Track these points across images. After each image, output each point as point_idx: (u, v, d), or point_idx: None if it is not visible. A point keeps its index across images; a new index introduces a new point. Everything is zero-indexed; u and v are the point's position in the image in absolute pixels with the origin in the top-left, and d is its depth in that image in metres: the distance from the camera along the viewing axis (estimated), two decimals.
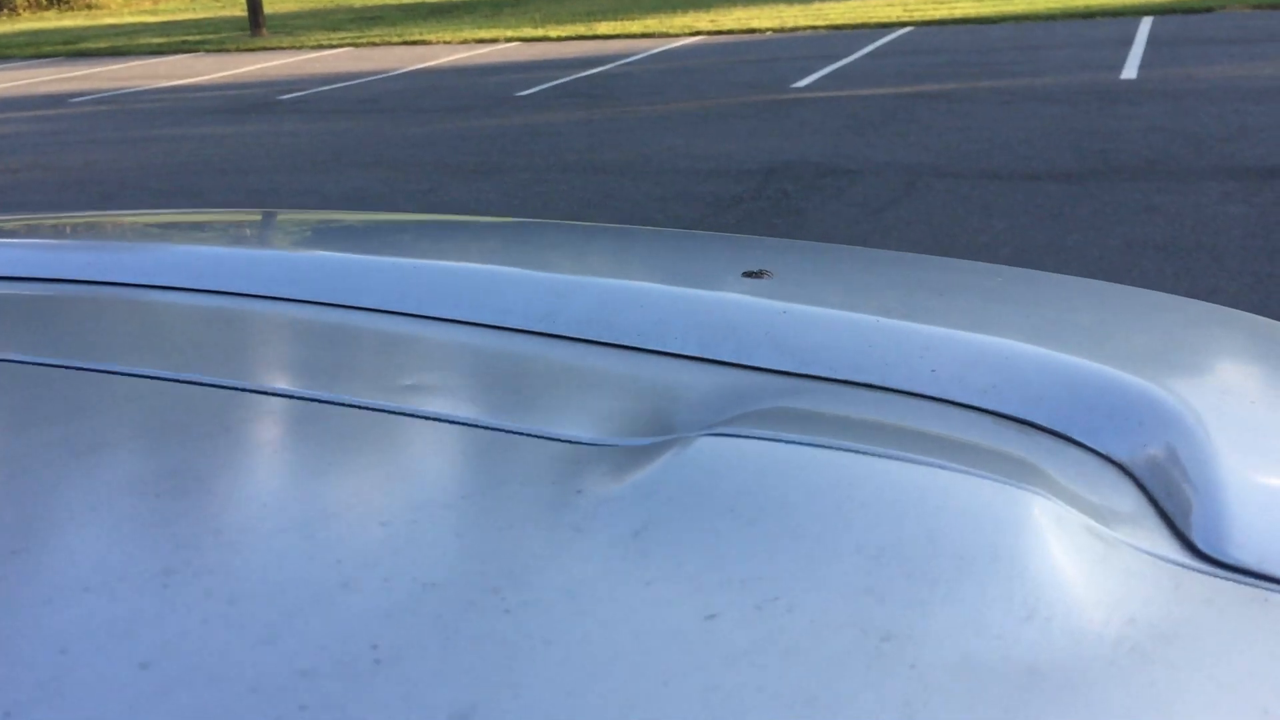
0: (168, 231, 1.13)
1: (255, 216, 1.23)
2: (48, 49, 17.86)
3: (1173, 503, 0.55)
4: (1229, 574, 0.49)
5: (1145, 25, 11.30)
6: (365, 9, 21.47)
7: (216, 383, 0.66)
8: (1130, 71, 8.74)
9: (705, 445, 0.55)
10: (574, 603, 0.43)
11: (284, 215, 1.24)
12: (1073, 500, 0.53)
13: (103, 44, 18.06)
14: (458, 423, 0.61)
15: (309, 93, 10.94)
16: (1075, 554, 0.48)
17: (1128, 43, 10.21)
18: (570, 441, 0.58)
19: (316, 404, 0.64)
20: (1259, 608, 0.46)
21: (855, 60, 10.52)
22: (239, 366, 0.72)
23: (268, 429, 0.61)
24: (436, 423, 0.61)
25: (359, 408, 0.63)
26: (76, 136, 9.11)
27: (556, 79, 10.60)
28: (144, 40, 18.27)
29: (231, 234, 1.11)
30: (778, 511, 0.50)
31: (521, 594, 0.44)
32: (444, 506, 0.51)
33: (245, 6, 18.62)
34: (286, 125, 9.05)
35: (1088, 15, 12.50)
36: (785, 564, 0.46)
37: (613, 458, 0.56)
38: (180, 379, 0.66)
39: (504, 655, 0.40)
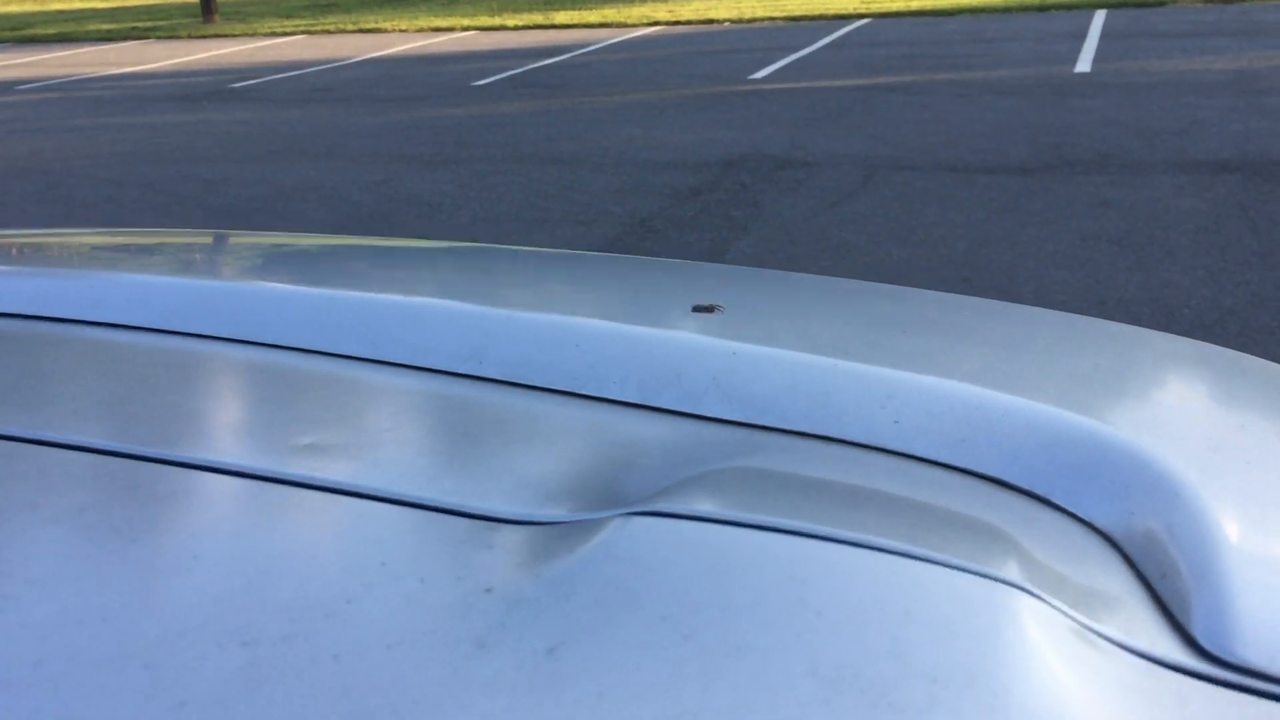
0: (40, 253, 1.01)
1: (147, 239, 1.10)
2: None
3: (1167, 587, 0.50)
4: (1236, 677, 0.43)
5: (1099, 18, 11.39)
6: None
7: (65, 442, 0.55)
8: (1084, 65, 8.80)
9: (639, 528, 0.47)
10: None
11: (174, 237, 1.10)
12: (1057, 588, 0.47)
13: (51, 30, 17.74)
14: (353, 494, 0.52)
15: (261, 81, 10.79)
16: (1066, 667, 0.41)
17: (1081, 36, 10.29)
18: (485, 518, 0.50)
19: (176, 469, 0.53)
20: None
21: (813, 52, 10.53)
22: (95, 420, 0.60)
23: (119, 509, 0.49)
24: (327, 495, 0.51)
25: (230, 473, 0.53)
26: (22, 125, 8.93)
27: (513, 69, 10.53)
28: (93, 26, 17.96)
29: (122, 259, 0.99)
30: (718, 620, 0.42)
31: None
32: (326, 615, 0.42)
33: None
34: (238, 114, 8.92)
35: (1042, 8, 12.59)
36: (726, 694, 0.39)
37: (532, 541, 0.48)
38: (16, 437, 0.56)
39: None
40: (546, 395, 0.68)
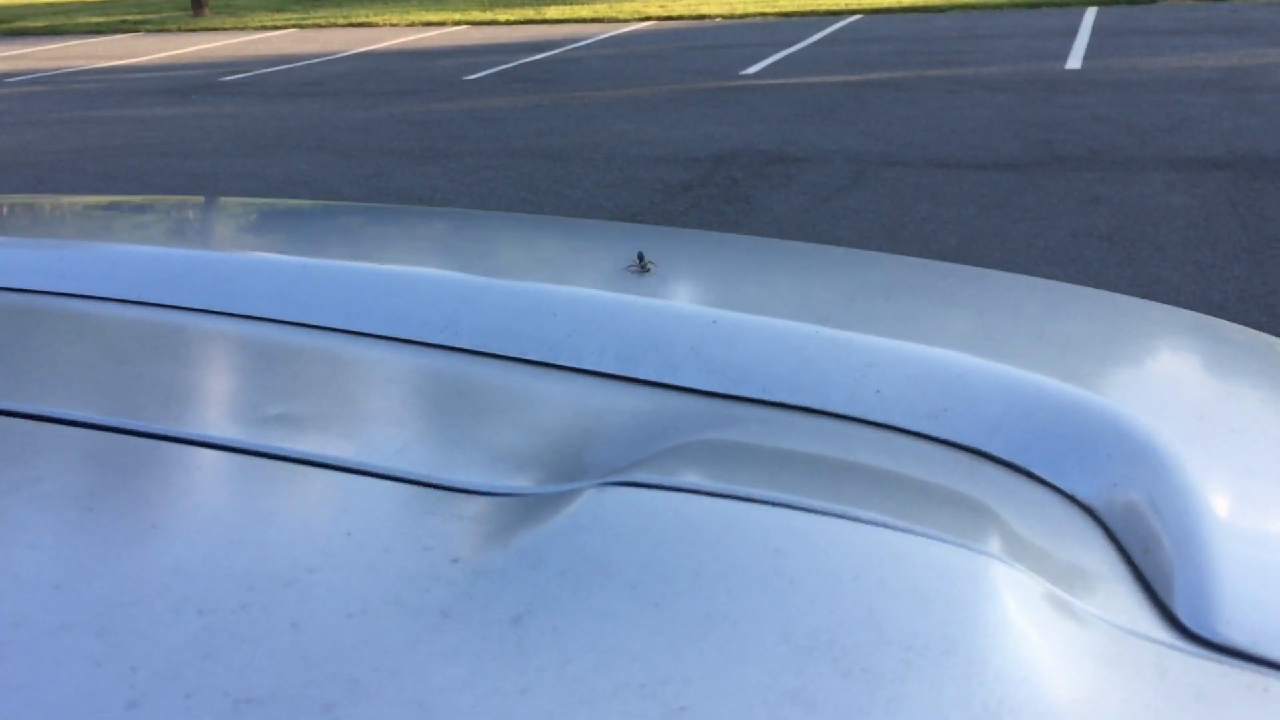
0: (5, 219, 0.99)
1: (98, 203, 1.07)
2: None
3: (1150, 562, 0.48)
4: (1219, 657, 0.42)
5: (1089, 15, 11.41)
6: None
7: (26, 411, 0.54)
8: (1075, 62, 8.82)
9: (610, 499, 0.46)
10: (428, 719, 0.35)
11: (135, 201, 1.08)
12: (1037, 561, 0.46)
13: (40, 23, 17.66)
14: (320, 465, 0.50)
15: (252, 74, 10.76)
16: (1044, 637, 0.41)
17: (1072, 33, 10.30)
18: (454, 489, 0.49)
19: (134, 438, 0.52)
20: (1257, 700, 0.40)
21: (804, 47, 10.53)
22: (59, 391, 0.58)
23: (73, 478, 0.48)
24: (293, 465, 0.50)
25: (190, 443, 0.52)
26: (11, 118, 8.88)
27: (505, 63, 10.51)
28: (83, 19, 17.88)
29: (73, 225, 0.96)
30: (690, 589, 0.41)
31: (360, 710, 0.35)
32: (284, 585, 0.41)
33: None
34: (228, 107, 8.89)
35: (1033, 5, 12.60)
36: (695, 662, 0.38)
37: (502, 512, 0.47)
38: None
39: None
40: (522, 365, 0.66)
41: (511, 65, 10.37)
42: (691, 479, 0.49)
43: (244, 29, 15.34)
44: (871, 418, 0.61)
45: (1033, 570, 0.45)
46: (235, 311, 0.71)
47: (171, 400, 0.59)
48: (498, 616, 0.40)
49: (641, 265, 0.77)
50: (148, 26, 16.29)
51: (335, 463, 0.51)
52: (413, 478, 0.50)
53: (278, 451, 0.52)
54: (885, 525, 0.46)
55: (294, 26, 15.24)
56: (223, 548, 0.44)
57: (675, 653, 0.38)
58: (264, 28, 15.32)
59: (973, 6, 12.86)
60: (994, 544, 0.46)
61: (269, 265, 0.75)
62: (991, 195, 5.20)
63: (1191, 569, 0.46)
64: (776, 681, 0.37)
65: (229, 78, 10.62)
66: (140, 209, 1.04)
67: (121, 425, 0.54)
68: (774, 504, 0.47)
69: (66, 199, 1.09)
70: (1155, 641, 0.43)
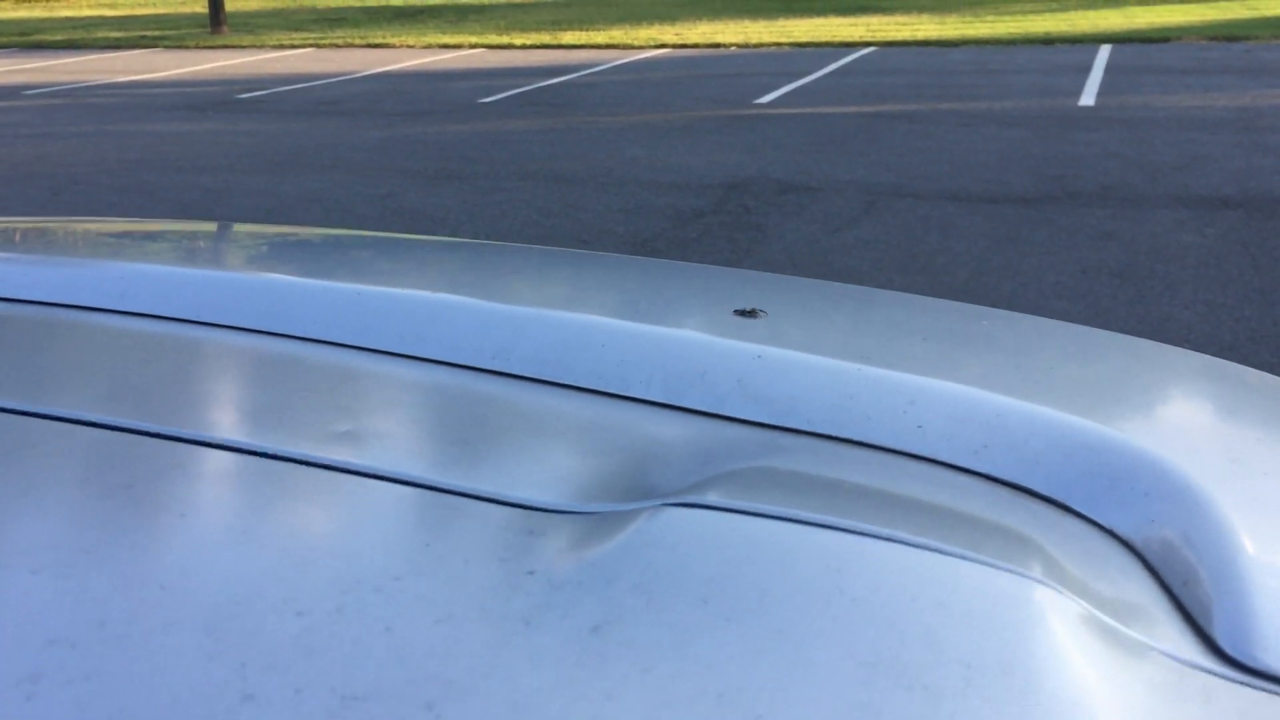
0: (78, 243, 1.03)
1: (177, 229, 1.12)
2: (2, 40, 17.58)
3: (1189, 594, 0.50)
4: (1260, 683, 0.43)
5: (1103, 53, 11.45)
6: (328, 10, 21.34)
7: (113, 424, 0.57)
8: (1088, 98, 8.84)
9: (674, 518, 0.48)
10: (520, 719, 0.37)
11: (207, 228, 1.13)
12: (1081, 590, 0.48)
13: (59, 36, 17.80)
14: (394, 480, 0.53)
15: (268, 92, 10.83)
16: (1094, 660, 0.42)
17: (1086, 70, 10.34)
18: (522, 506, 0.51)
19: (226, 453, 0.55)
20: None
21: (818, 78, 10.58)
22: (142, 405, 0.61)
23: (172, 488, 0.51)
24: (368, 480, 0.53)
25: (277, 458, 0.55)
26: (28, 129, 8.95)
27: (520, 87, 10.57)
28: (102, 34, 18.02)
29: (151, 250, 1.01)
30: (757, 605, 0.43)
31: (459, 709, 0.37)
32: (374, 590, 0.43)
33: (206, 3, 18.44)
34: (244, 124, 8.94)
35: (1047, 41, 12.65)
36: (767, 673, 0.39)
37: (570, 528, 0.49)
38: (68, 418, 0.57)
39: None
40: (571, 392, 0.68)
41: (526, 89, 10.42)
42: (749, 502, 0.51)
43: (262, 47, 15.45)
44: (915, 451, 0.62)
45: (1078, 596, 0.46)
46: (309, 336, 0.74)
47: (254, 416, 0.62)
48: (577, 626, 0.42)
49: (748, 313, 0.79)
50: (166, 42, 16.41)
51: (407, 479, 0.53)
52: (481, 495, 0.52)
53: (353, 467, 0.54)
54: (938, 550, 0.48)
55: (311, 46, 15.35)
56: (312, 555, 0.46)
57: (748, 665, 0.40)
58: (281, 46, 15.43)
59: (987, 41, 12.92)
60: (1039, 571, 0.47)
61: (338, 294, 0.79)
62: (1003, 229, 5.21)
63: (1230, 599, 0.47)
64: (844, 695, 0.39)
65: (245, 95, 10.69)
66: (182, 236, 1.08)
67: (210, 439, 0.56)
68: (831, 528, 0.49)
69: (136, 224, 1.13)
70: (1200, 668, 0.44)
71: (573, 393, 0.68)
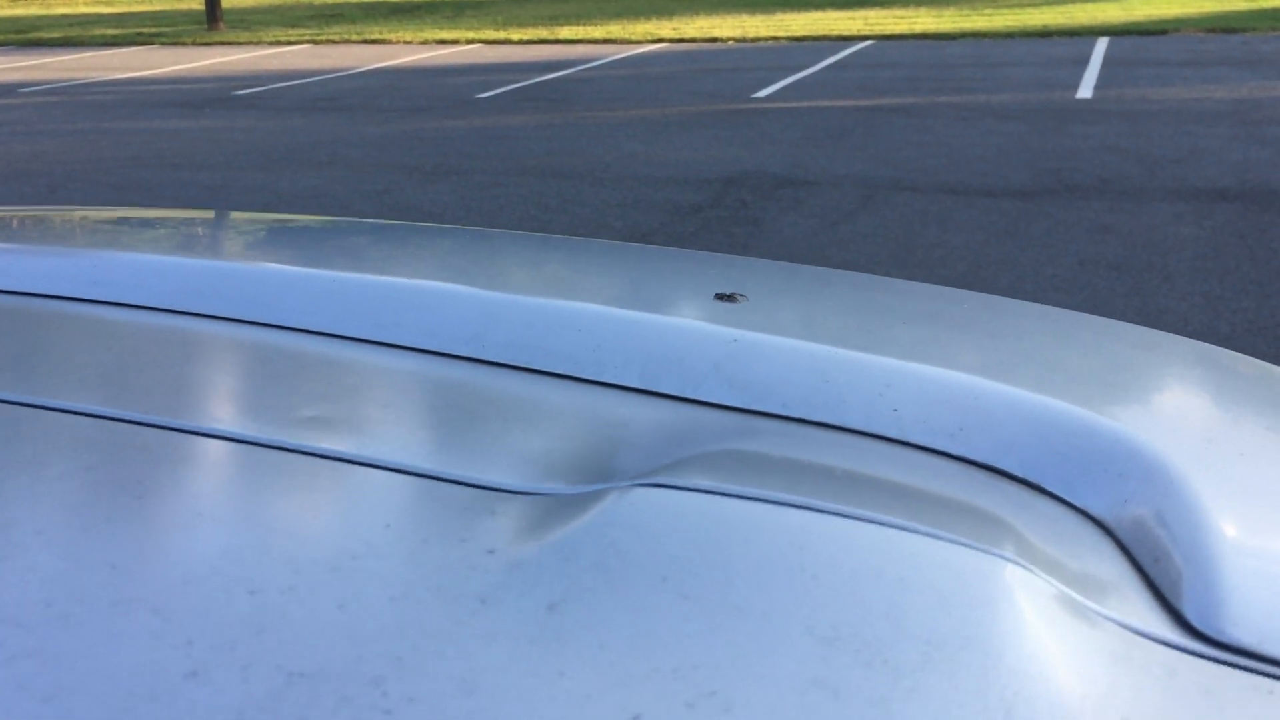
0: (50, 231, 1.03)
1: (141, 216, 1.12)
2: None
3: (1160, 570, 0.50)
4: (1227, 655, 0.44)
5: (1101, 46, 11.45)
6: (325, 6, 21.31)
7: (76, 409, 0.57)
8: (1086, 91, 8.84)
9: (639, 498, 0.48)
10: (471, 699, 0.36)
11: (175, 215, 1.13)
12: (1051, 567, 0.48)
13: (56, 34, 17.78)
14: (357, 463, 0.53)
15: (265, 89, 10.82)
16: (1057, 635, 0.42)
17: (1083, 62, 10.34)
18: (486, 488, 0.51)
19: (188, 436, 0.55)
20: (1264, 700, 0.41)
21: (816, 72, 10.57)
22: (102, 390, 0.62)
23: (132, 470, 0.51)
24: (331, 463, 0.53)
25: (240, 442, 0.55)
26: (25, 127, 8.94)
27: (517, 82, 10.55)
28: (98, 31, 18.00)
29: (128, 239, 1.00)
30: (718, 583, 0.43)
31: (408, 687, 0.37)
32: (329, 570, 0.43)
33: (203, 0, 18.41)
34: (241, 121, 8.93)
35: (1044, 34, 12.64)
36: (724, 649, 0.39)
37: (533, 510, 0.49)
38: (32, 404, 0.58)
39: None
40: (547, 378, 0.68)
41: (524, 84, 10.41)
42: (716, 482, 0.50)
43: (258, 43, 15.43)
44: (889, 434, 0.62)
45: (1046, 574, 0.46)
46: (278, 323, 0.74)
47: (217, 401, 0.62)
48: (534, 604, 0.42)
49: (727, 297, 0.79)
50: (162, 39, 16.39)
51: (372, 461, 0.53)
52: (446, 477, 0.52)
53: (317, 451, 0.54)
54: (904, 528, 0.48)
55: (308, 42, 15.33)
56: (268, 536, 0.46)
57: (704, 641, 0.40)
58: (278, 42, 15.41)
59: (984, 34, 12.91)
60: (1009, 549, 0.47)
61: (308, 280, 0.79)
62: (1000, 222, 5.21)
63: (1200, 576, 0.47)
64: (801, 670, 0.39)
65: (242, 91, 10.67)
66: (180, 223, 1.08)
67: (170, 424, 0.56)
68: (796, 506, 0.49)
69: (134, 212, 1.14)
70: (1164, 642, 0.44)
71: (548, 378, 0.68)
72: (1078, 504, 0.56)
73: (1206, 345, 0.83)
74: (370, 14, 19.11)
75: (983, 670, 0.39)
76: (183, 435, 0.56)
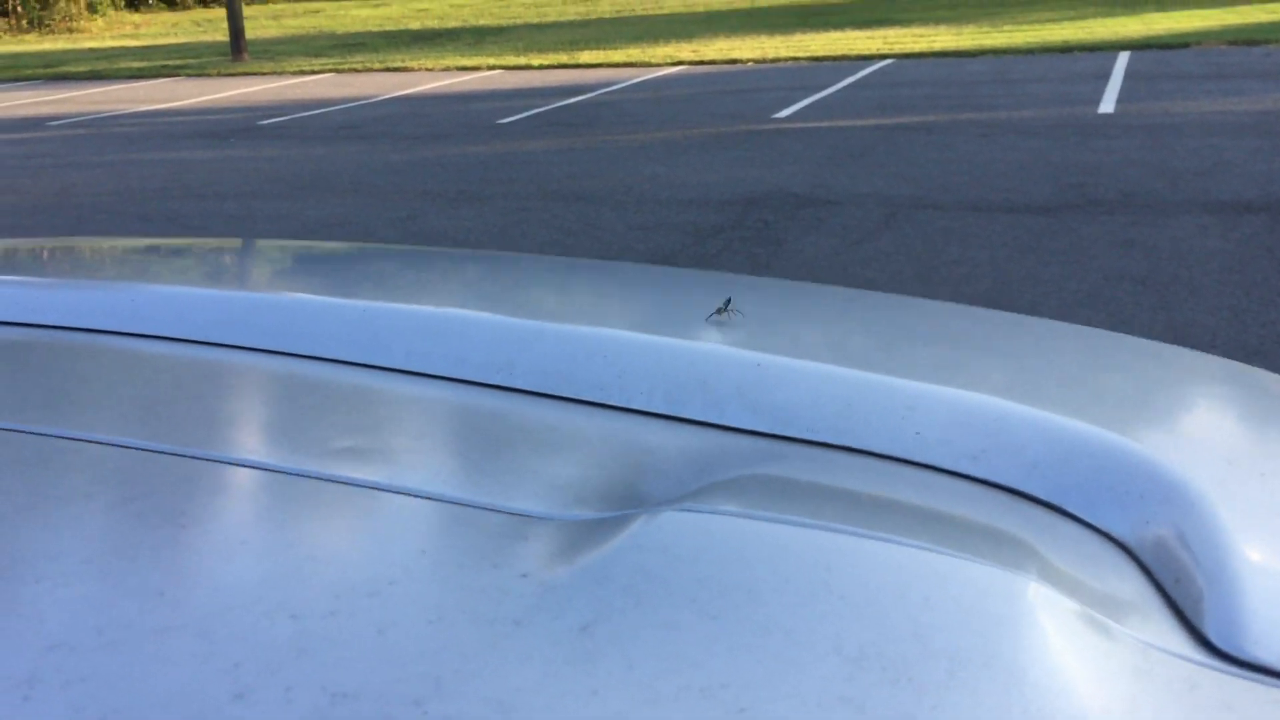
0: (84, 264, 1.06)
1: (174, 245, 1.15)
2: (27, 72, 17.80)
3: (1181, 591, 0.50)
4: (1247, 673, 0.44)
5: (1122, 60, 11.41)
6: (348, 35, 21.50)
7: (119, 443, 0.59)
8: (1107, 106, 8.81)
9: (667, 522, 0.49)
10: (505, 717, 0.38)
11: (207, 245, 1.15)
12: (1073, 588, 0.48)
13: (83, 67, 18.01)
14: (394, 492, 0.54)
15: (289, 118, 10.92)
16: (1079, 652, 0.43)
17: (1105, 77, 10.31)
18: (519, 515, 0.52)
19: (228, 467, 0.57)
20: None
21: (836, 91, 10.58)
22: (144, 422, 0.64)
23: (174, 502, 0.52)
24: (369, 492, 0.54)
25: (278, 472, 0.56)
26: (53, 160, 9.05)
27: (538, 107, 10.62)
28: (125, 64, 18.23)
29: (159, 270, 1.02)
30: (745, 603, 0.44)
31: (446, 706, 0.38)
32: (367, 595, 0.45)
33: (227, 31, 18.62)
34: (266, 150, 9.02)
35: (1065, 50, 12.62)
36: (752, 668, 0.40)
37: (565, 535, 0.50)
38: (77, 438, 0.59)
39: None
40: (575, 405, 0.69)
41: (545, 109, 10.47)
42: (743, 507, 0.51)
43: (282, 74, 15.58)
44: (913, 458, 0.63)
45: (1068, 593, 0.47)
46: (310, 354, 0.76)
47: (253, 432, 0.64)
48: (566, 626, 0.43)
49: (723, 310, 0.80)
50: (188, 71, 16.58)
51: (405, 490, 0.55)
52: (478, 504, 0.53)
53: (352, 480, 0.56)
54: (927, 549, 0.48)
55: (331, 71, 15.47)
56: (308, 563, 0.47)
57: (733, 660, 0.41)
58: (302, 72, 15.56)
59: (1004, 51, 12.90)
60: (1031, 570, 0.48)
61: (340, 310, 0.80)
62: (1024, 238, 5.19)
63: (1220, 595, 0.48)
64: (828, 688, 0.39)
65: (266, 121, 10.78)
66: (219, 251, 1.11)
67: (208, 456, 0.58)
68: (821, 529, 0.50)
69: (165, 242, 1.16)
70: (1185, 659, 0.44)
71: (575, 405, 0.69)
72: (1100, 526, 0.57)
73: (1232, 362, 0.82)
74: (392, 42, 19.27)
75: (1005, 687, 0.40)
76: (221, 466, 0.57)
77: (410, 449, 0.63)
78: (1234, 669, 0.44)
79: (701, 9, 22.69)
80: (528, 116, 10.06)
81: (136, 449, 0.58)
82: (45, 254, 1.09)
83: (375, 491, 0.55)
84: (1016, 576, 0.47)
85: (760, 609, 0.43)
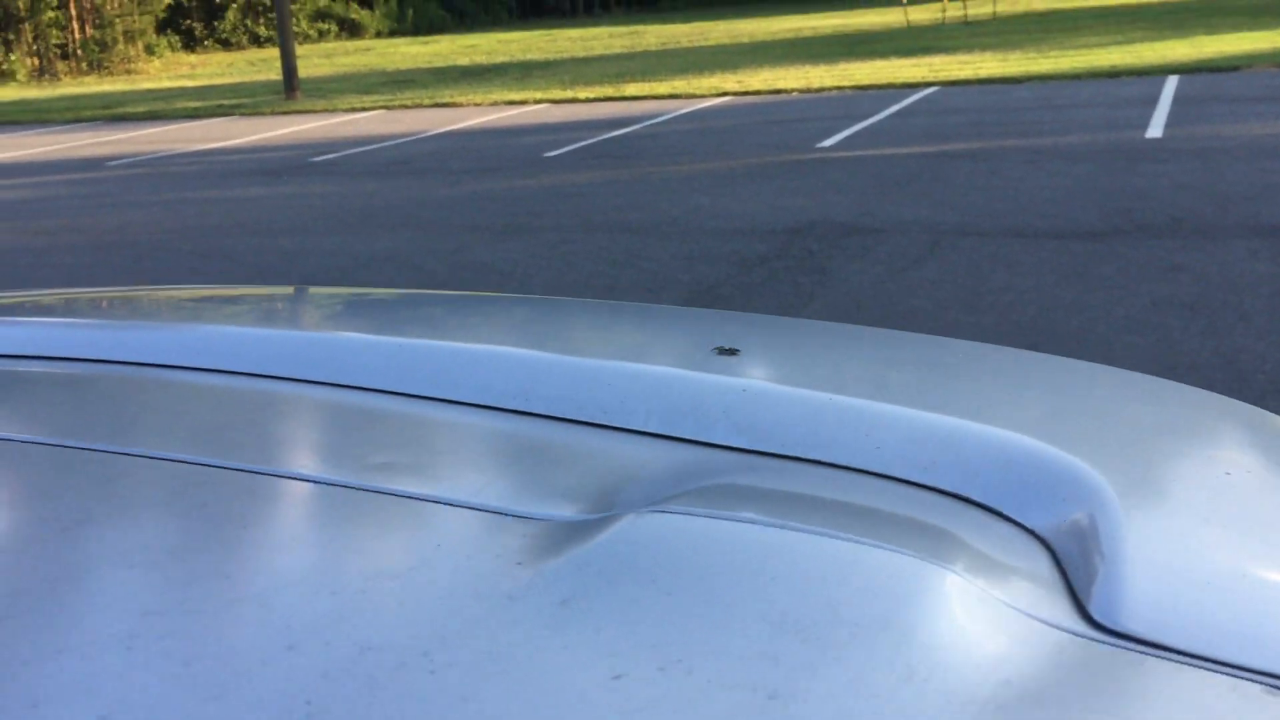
0: (158, 309, 1.20)
1: (233, 294, 1.31)
2: (87, 113, 18.26)
3: (1079, 575, 0.59)
4: (1115, 640, 0.52)
5: (1171, 84, 11.33)
6: (398, 73, 21.85)
7: (192, 460, 0.71)
8: (1156, 130, 8.76)
9: (643, 521, 0.60)
10: (494, 664, 0.48)
11: (262, 292, 1.33)
12: (984, 574, 0.57)
13: (141, 108, 18.45)
14: (420, 499, 0.66)
15: (341, 155, 11.12)
16: (965, 621, 0.52)
17: (1153, 102, 10.24)
18: (522, 516, 0.63)
19: (280, 480, 0.69)
20: (1132, 670, 0.50)
21: (881, 120, 10.60)
22: (214, 443, 0.76)
23: (238, 506, 0.65)
24: (398, 499, 0.65)
25: (324, 484, 0.68)
26: (112, 199, 9.28)
27: (584, 140, 10.73)
28: (181, 104, 18.65)
29: (213, 312, 1.17)
30: (695, 583, 0.54)
31: (448, 656, 0.49)
32: (391, 577, 0.56)
33: (280, 71, 18.98)
34: (318, 187, 9.19)
35: (1113, 74, 12.55)
36: (693, 630, 0.51)
37: (557, 532, 0.61)
38: (159, 456, 0.72)
39: (422, 711, 0.45)
40: (582, 427, 0.79)
41: (591, 141, 10.58)
42: (709, 509, 0.62)
43: (334, 111, 15.87)
44: (872, 469, 0.72)
45: (973, 578, 0.56)
46: (352, 384, 0.88)
47: (303, 449, 0.78)
48: (549, 601, 0.53)
49: (730, 351, 0.90)
50: (242, 110, 16.93)
51: (427, 497, 0.66)
52: (488, 508, 0.65)
53: (385, 489, 0.67)
54: (855, 541, 0.59)
55: (382, 108, 15.73)
56: (345, 553, 0.60)
57: (678, 624, 0.51)
58: (353, 109, 15.83)
59: (1051, 77, 12.85)
60: (949, 559, 0.57)
61: (377, 346, 0.92)
62: (1070, 264, 5.17)
63: (1107, 578, 0.57)
64: (751, 645, 0.50)
65: (319, 158, 10.98)
66: (238, 300, 1.26)
67: (265, 470, 0.70)
68: (770, 525, 0.61)
69: (223, 290, 1.32)
70: (1063, 629, 0.53)
71: (582, 426, 0.79)
72: (1028, 525, 0.65)
73: (1171, 382, 0.92)
74: (441, 78, 19.55)
75: (896, 645, 0.50)
76: (274, 479, 0.69)
77: (434, 464, 0.75)
78: (1105, 637, 0.53)
79: (747, 39, 22.80)
80: (574, 149, 10.17)
81: (206, 465, 0.70)
82: (116, 300, 1.25)
83: (403, 499, 0.66)
84: (927, 563, 0.57)
85: (706, 587, 0.54)
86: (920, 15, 23.99)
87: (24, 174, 11.27)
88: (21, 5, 29.47)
